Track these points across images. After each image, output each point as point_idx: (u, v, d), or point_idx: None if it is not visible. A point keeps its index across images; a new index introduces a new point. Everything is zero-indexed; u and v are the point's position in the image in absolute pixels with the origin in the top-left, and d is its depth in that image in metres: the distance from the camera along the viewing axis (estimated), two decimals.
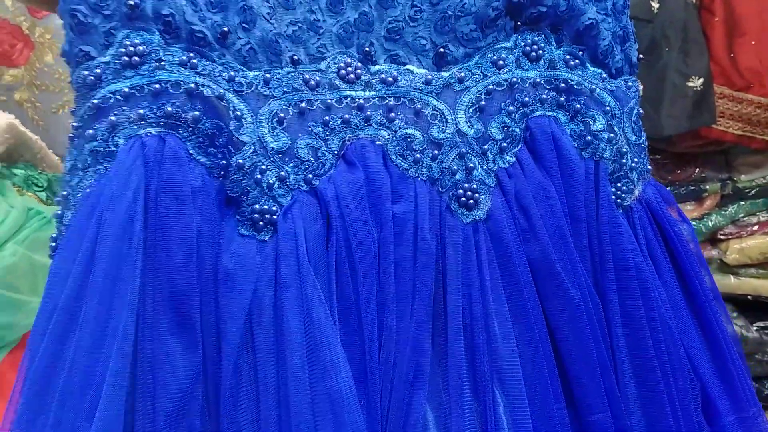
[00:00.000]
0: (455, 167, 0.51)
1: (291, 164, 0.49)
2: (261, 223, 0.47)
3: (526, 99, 0.54)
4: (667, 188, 1.48)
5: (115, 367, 0.40)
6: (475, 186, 0.51)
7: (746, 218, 1.59)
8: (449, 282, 0.48)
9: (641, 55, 0.64)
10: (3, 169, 0.91)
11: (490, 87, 0.53)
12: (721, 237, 1.60)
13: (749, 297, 1.63)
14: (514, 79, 0.54)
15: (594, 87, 0.56)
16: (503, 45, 0.54)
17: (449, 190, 0.51)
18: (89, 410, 0.40)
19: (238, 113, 0.48)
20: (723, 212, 1.59)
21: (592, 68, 0.57)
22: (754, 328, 1.64)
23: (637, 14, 1.33)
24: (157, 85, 0.47)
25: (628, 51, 0.61)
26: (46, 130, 1.33)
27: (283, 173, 0.48)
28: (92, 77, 0.48)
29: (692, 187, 1.58)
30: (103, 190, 0.46)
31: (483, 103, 0.53)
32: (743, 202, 1.58)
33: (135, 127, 0.47)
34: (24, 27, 1.37)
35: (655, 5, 1.34)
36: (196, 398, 0.43)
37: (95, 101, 0.47)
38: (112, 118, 0.47)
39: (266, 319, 0.44)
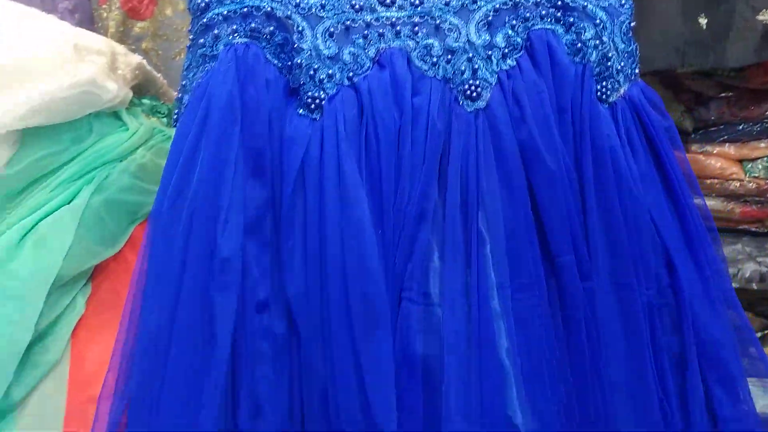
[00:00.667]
0: (463, 68, 0.67)
1: (337, 66, 0.67)
2: (312, 106, 0.67)
3: (528, 15, 0.69)
4: (741, 125, 1.52)
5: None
6: (478, 83, 0.67)
7: None
8: (452, 153, 0.65)
9: None
10: (134, 99, 1.13)
11: (498, 5, 0.68)
12: None
13: None
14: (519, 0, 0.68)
15: (586, 3, 0.69)
16: None
17: (458, 86, 0.67)
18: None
19: (300, 29, 0.67)
20: None
21: None
22: None
23: None
24: (245, 9, 0.67)
25: None
26: (166, 72, 1.57)
27: (330, 71, 0.67)
28: (203, 4, 0.69)
29: (767, 125, 1.59)
30: (210, 81, 0.67)
31: (491, 18, 0.68)
32: None
33: (230, 38, 0.68)
34: None
35: None
36: (265, 218, 0.63)
37: (204, 20, 0.69)
38: (215, 32, 0.68)
39: (313, 167, 0.64)
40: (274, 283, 0.64)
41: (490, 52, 0.67)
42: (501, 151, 0.65)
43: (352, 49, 0.67)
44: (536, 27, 0.70)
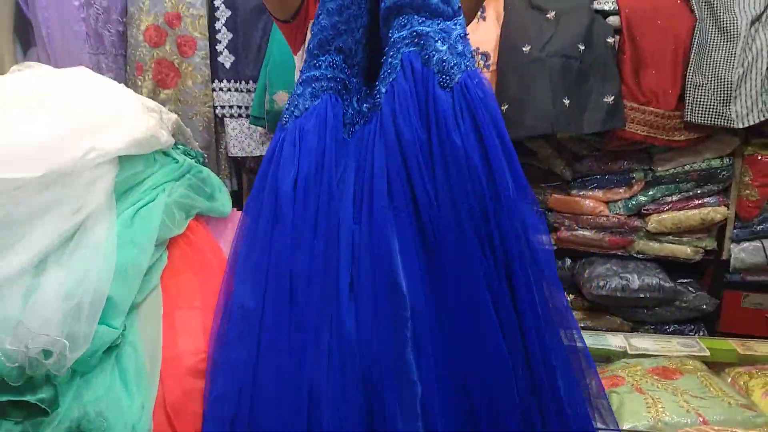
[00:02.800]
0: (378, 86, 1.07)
1: (368, 103, 1.09)
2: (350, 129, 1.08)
3: (399, 45, 1.04)
4: (606, 176, 2.05)
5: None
6: (379, 93, 1.05)
7: (662, 198, 2.16)
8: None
9: None
10: (173, 144, 1.65)
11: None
12: (645, 212, 2.18)
13: (669, 258, 2.20)
14: (400, 37, 1.04)
15: (429, 31, 1.03)
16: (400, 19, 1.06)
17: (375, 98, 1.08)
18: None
19: (351, 89, 1.10)
20: (646, 194, 2.17)
21: (432, 20, 1.05)
22: (677, 283, 2.19)
23: (569, 53, 1.97)
24: (327, 74, 1.08)
25: (454, 4, 1.06)
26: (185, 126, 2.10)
27: (367, 105, 1.09)
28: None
29: (624, 176, 2.18)
30: (307, 119, 1.07)
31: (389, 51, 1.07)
32: (660, 187, 2.16)
33: (318, 91, 1.07)
34: (175, 63, 2.17)
35: (581, 47, 1.97)
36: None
37: (303, 78, 1.10)
38: (311, 87, 1.08)
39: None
40: None
41: (387, 73, 1.04)
42: (385, 135, 0.99)
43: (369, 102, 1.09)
44: (404, 50, 1.03)
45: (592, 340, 1.56)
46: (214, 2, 2.17)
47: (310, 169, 1.02)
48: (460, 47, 1.03)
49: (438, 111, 0.99)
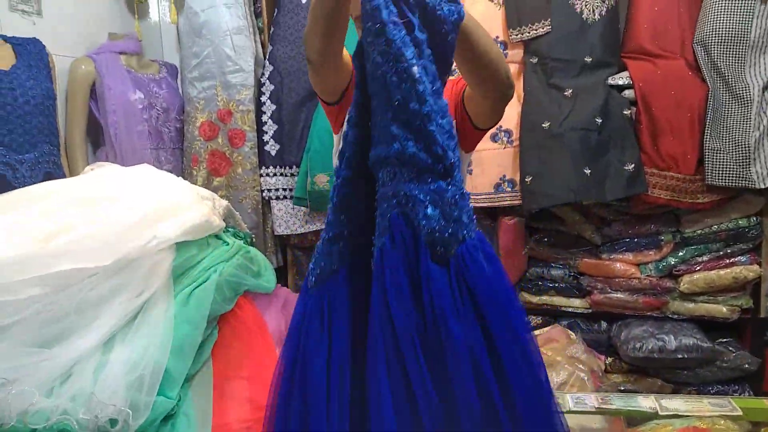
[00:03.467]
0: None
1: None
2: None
3: (385, 205, 0.89)
4: (634, 239, 2.12)
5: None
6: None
7: (693, 259, 2.20)
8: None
9: None
10: (225, 227, 1.83)
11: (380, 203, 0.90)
12: (676, 273, 2.22)
13: (705, 317, 2.21)
14: (386, 194, 0.89)
15: (417, 192, 0.87)
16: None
17: None
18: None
19: None
20: (676, 255, 2.21)
21: (421, 177, 0.88)
22: (717, 342, 2.19)
23: (587, 126, 2.09)
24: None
25: (447, 159, 0.88)
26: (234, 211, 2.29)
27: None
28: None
29: (652, 238, 2.24)
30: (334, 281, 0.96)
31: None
32: (690, 248, 2.21)
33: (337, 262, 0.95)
34: (227, 153, 2.40)
35: (599, 120, 2.09)
36: None
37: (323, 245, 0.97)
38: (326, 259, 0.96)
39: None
40: None
41: (378, 233, 0.90)
42: (379, 317, 0.87)
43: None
44: (391, 212, 0.88)
45: (622, 402, 1.59)
46: (261, 98, 2.41)
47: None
48: (455, 212, 0.88)
49: (432, 290, 0.86)
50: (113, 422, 1.13)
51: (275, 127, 2.41)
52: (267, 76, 2.40)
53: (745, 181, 1.99)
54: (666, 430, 1.46)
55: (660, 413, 1.54)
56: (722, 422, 1.49)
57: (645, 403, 1.59)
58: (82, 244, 1.29)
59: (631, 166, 2.07)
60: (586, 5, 2.10)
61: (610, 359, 2.29)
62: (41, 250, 1.23)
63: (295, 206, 2.42)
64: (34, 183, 1.84)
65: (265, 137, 2.42)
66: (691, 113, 2.06)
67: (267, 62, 2.40)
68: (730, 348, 2.17)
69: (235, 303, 1.55)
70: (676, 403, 1.57)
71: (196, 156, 2.41)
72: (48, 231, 1.29)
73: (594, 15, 2.12)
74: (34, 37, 1.97)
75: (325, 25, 1.10)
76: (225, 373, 1.36)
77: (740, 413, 1.53)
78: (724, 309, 2.17)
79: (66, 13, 2.23)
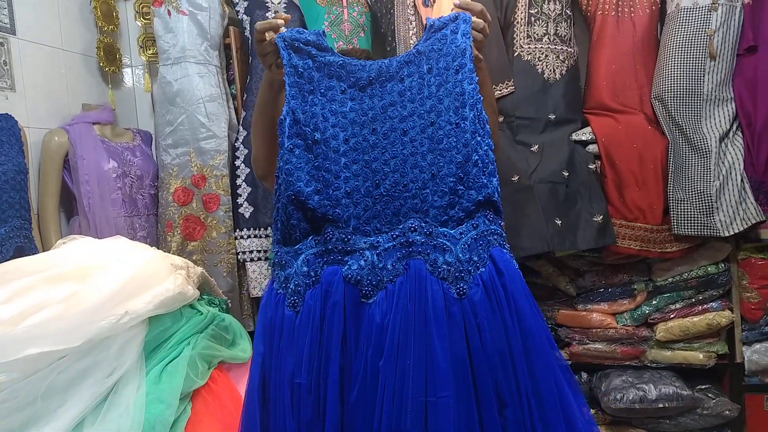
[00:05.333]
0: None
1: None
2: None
3: (408, 250, 1.14)
4: (609, 289, 2.13)
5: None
6: (373, 290, 1.15)
7: (666, 306, 2.22)
8: None
9: None
10: (199, 296, 1.83)
11: (395, 244, 1.16)
12: (651, 321, 2.24)
13: (683, 365, 2.22)
14: (403, 241, 1.14)
15: (437, 241, 1.14)
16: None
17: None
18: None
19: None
20: (650, 303, 2.24)
21: (440, 230, 1.15)
22: (696, 390, 2.19)
23: (555, 179, 2.13)
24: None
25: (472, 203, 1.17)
26: (210, 275, 2.28)
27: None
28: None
29: (626, 288, 2.26)
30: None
31: (389, 251, 1.16)
32: (663, 296, 2.23)
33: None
34: (201, 217, 2.40)
35: (566, 174, 2.14)
36: None
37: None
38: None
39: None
40: None
41: (384, 273, 1.13)
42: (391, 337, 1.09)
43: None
44: (413, 257, 1.12)
45: None
46: (236, 162, 2.43)
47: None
48: (466, 254, 1.13)
49: (453, 328, 1.09)
50: None
51: (249, 189, 2.43)
52: (241, 140, 2.43)
53: (710, 230, 2.04)
54: None
55: None
56: None
57: None
58: (51, 326, 1.27)
59: (599, 218, 2.11)
60: (547, 66, 2.18)
61: (592, 411, 2.28)
62: (8, 333, 1.21)
63: (270, 267, 2.41)
64: (5, 257, 1.82)
65: (239, 200, 2.43)
66: (654, 165, 2.12)
67: (241, 127, 2.44)
68: (710, 395, 2.18)
69: (208, 376, 1.53)
70: None
71: (170, 222, 2.41)
72: (17, 312, 1.27)
73: (555, 74, 2.20)
74: (6, 113, 1.99)
75: (266, 138, 1.38)
76: None
77: None
78: (701, 356, 2.18)
79: (39, 86, 2.26)
